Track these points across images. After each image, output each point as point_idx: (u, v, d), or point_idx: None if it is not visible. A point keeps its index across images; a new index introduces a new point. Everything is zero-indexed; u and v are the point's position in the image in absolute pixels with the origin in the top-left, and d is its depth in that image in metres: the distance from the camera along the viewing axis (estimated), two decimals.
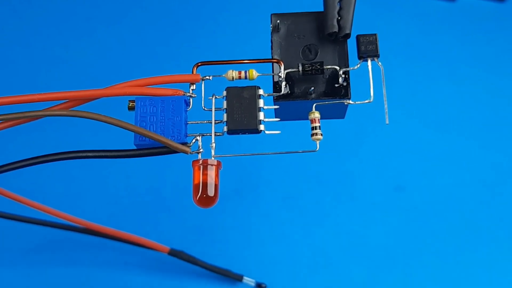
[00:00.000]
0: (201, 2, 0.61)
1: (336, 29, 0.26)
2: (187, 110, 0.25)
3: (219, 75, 0.26)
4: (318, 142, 0.25)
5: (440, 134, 0.52)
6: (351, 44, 0.26)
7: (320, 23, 0.27)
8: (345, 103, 0.25)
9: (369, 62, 0.26)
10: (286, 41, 0.27)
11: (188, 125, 0.25)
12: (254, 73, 0.26)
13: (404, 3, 0.60)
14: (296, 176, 0.51)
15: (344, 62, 0.26)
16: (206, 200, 0.24)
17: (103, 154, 0.25)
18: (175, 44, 0.58)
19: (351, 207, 0.49)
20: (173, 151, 0.24)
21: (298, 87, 0.26)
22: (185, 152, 0.24)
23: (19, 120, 0.24)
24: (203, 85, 0.26)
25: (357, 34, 0.26)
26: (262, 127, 0.25)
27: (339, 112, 0.27)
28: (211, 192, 0.24)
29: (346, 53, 0.26)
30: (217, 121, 0.25)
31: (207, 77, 0.26)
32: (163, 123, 0.25)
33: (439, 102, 0.54)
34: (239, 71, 0.26)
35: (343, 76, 0.26)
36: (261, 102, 0.25)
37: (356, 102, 0.25)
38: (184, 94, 0.25)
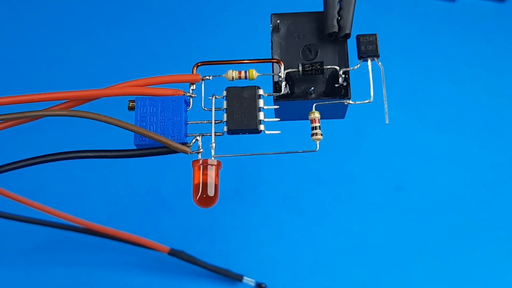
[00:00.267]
0: (201, 2, 0.61)
1: (336, 29, 0.26)
2: (187, 110, 0.25)
3: (219, 75, 0.26)
4: (318, 142, 0.25)
5: (440, 134, 0.52)
6: (351, 44, 0.26)
7: (320, 23, 0.27)
8: (345, 103, 0.25)
9: (369, 62, 0.26)
10: (286, 41, 0.27)
11: (188, 125, 0.25)
12: (254, 73, 0.26)
13: (404, 3, 0.60)
14: (296, 176, 0.51)
15: (344, 62, 0.26)
16: (206, 200, 0.24)
17: (103, 154, 0.25)
18: (175, 44, 0.58)
19: (351, 207, 0.49)
20: (173, 151, 0.24)
21: (298, 87, 0.26)
22: (185, 152, 0.24)
23: (19, 120, 0.24)
24: (203, 85, 0.26)
25: (357, 34, 0.26)
26: (262, 127, 0.25)
27: (339, 112, 0.27)
28: (211, 192, 0.24)
29: (346, 53, 0.26)
30: (217, 121, 0.25)
31: (207, 77, 0.26)
32: (163, 123, 0.25)
33: (439, 102, 0.54)
34: (239, 71, 0.26)
35: (343, 76, 0.26)
36: (261, 102, 0.25)
37: (356, 102, 0.25)
38: (184, 94, 0.25)
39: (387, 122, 0.25)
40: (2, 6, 0.61)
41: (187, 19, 0.59)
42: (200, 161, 0.24)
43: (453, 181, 0.50)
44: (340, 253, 0.47)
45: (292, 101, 0.26)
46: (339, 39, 0.26)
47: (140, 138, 0.24)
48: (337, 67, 0.26)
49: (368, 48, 0.25)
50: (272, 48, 0.27)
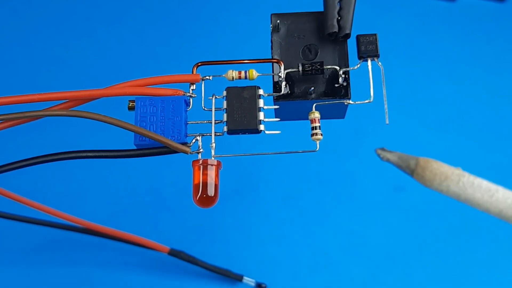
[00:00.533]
0: (201, 2, 0.60)
1: (336, 29, 0.26)
2: (187, 110, 0.25)
3: (219, 75, 0.26)
4: (318, 142, 0.25)
5: (440, 134, 0.52)
6: (351, 44, 0.26)
7: (320, 23, 0.27)
8: (345, 103, 0.25)
9: (369, 62, 0.26)
10: (286, 41, 0.27)
11: (188, 125, 0.25)
12: (254, 73, 0.26)
13: (404, 3, 0.60)
14: (296, 176, 0.51)
15: (344, 62, 0.26)
16: (206, 200, 0.24)
17: (103, 154, 0.25)
18: (175, 44, 0.58)
19: (351, 207, 0.49)
20: (173, 151, 0.24)
21: (298, 87, 0.26)
22: (185, 152, 0.24)
23: (19, 120, 0.24)
24: (203, 85, 0.26)
25: (357, 34, 0.26)
26: (262, 127, 0.25)
27: (339, 112, 0.27)
28: (211, 192, 0.24)
29: (346, 53, 0.26)
30: (217, 121, 0.25)
31: (207, 77, 0.26)
32: (163, 123, 0.25)
33: (439, 102, 0.54)
34: (239, 71, 0.26)
35: (343, 76, 0.26)
36: (261, 102, 0.25)
37: (356, 102, 0.25)
38: (184, 94, 0.25)
39: (387, 122, 0.25)
40: (2, 6, 0.61)
41: (187, 19, 0.59)
42: (200, 161, 0.24)
43: None
44: (340, 253, 0.47)
45: (292, 101, 0.26)
46: (339, 39, 0.26)
47: (140, 138, 0.24)
48: (337, 67, 0.26)
49: (368, 48, 0.25)
50: (272, 48, 0.27)
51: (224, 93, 0.25)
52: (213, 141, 0.25)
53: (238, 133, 0.25)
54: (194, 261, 0.45)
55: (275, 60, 0.26)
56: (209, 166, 0.24)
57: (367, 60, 0.26)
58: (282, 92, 0.26)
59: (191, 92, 0.26)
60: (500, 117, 0.53)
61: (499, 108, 0.54)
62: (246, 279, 0.45)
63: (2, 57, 0.57)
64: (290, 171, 0.51)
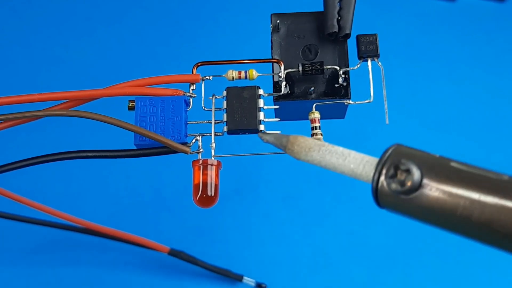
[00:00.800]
0: (201, 2, 0.60)
1: (336, 29, 0.26)
2: (187, 110, 0.25)
3: (219, 75, 0.26)
4: None
5: (440, 134, 0.52)
6: (351, 44, 0.26)
7: (320, 23, 0.27)
8: (345, 103, 0.25)
9: (369, 62, 0.26)
10: (286, 41, 0.27)
11: (188, 125, 0.25)
12: (254, 73, 0.26)
13: (404, 3, 0.60)
14: (296, 176, 0.51)
15: (344, 62, 0.26)
16: (206, 200, 0.24)
17: (103, 154, 0.25)
18: (175, 44, 0.58)
19: (351, 207, 0.49)
20: (173, 151, 0.24)
21: (298, 87, 0.26)
22: (185, 152, 0.24)
23: (19, 120, 0.25)
24: (203, 85, 0.26)
25: (357, 34, 0.26)
26: (262, 127, 0.25)
27: (339, 112, 0.27)
28: (211, 192, 0.24)
29: (346, 53, 0.26)
30: (217, 121, 0.25)
31: (207, 77, 0.26)
32: (163, 123, 0.25)
33: (439, 102, 0.54)
34: (239, 71, 0.26)
35: (343, 76, 0.26)
36: (261, 102, 0.25)
37: (356, 102, 0.25)
38: (184, 94, 0.25)
39: (387, 122, 0.25)
40: (2, 6, 0.61)
41: (187, 19, 0.59)
42: (200, 161, 0.24)
43: None
44: (340, 253, 0.47)
45: (292, 101, 0.26)
46: (339, 39, 0.27)
47: (140, 138, 0.24)
48: (337, 67, 0.26)
49: (368, 48, 0.25)
50: (272, 48, 0.27)
51: (224, 93, 0.25)
52: (213, 141, 0.25)
53: (238, 133, 0.25)
54: (194, 261, 0.45)
55: (275, 60, 0.26)
56: (209, 166, 0.24)
57: (367, 60, 0.26)
58: (282, 92, 0.26)
59: (191, 92, 0.26)
60: (500, 117, 0.53)
61: (499, 108, 0.54)
62: (246, 279, 0.45)
63: (2, 57, 0.57)
64: (290, 171, 0.51)
